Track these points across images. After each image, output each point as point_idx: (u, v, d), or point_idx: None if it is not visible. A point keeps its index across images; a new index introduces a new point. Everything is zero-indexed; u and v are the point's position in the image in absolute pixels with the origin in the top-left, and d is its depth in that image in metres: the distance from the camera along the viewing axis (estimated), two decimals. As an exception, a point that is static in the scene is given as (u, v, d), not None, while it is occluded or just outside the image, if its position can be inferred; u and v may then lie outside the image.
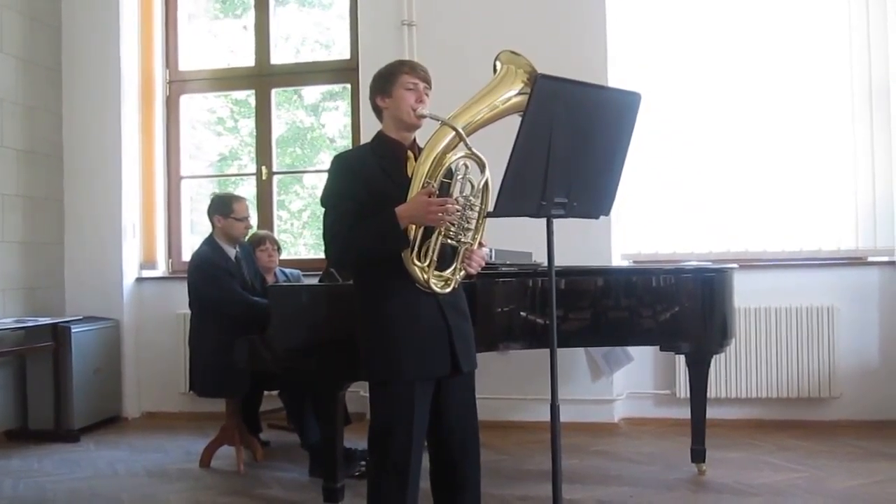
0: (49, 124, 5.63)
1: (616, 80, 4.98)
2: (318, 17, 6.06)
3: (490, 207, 2.48)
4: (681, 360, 4.78)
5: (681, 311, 3.79)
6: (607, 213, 2.60)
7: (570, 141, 2.38)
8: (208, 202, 4.52)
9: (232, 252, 4.35)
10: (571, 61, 4.29)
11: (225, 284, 4.18)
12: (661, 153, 5.14)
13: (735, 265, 4.13)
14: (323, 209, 2.62)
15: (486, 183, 2.49)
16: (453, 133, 2.47)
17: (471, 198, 2.49)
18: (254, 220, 5.63)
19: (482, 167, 2.50)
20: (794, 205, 5.04)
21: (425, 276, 2.47)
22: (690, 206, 5.15)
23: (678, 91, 5.16)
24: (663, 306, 3.78)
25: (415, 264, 2.46)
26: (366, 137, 5.15)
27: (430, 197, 2.41)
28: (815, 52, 5.03)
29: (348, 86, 5.71)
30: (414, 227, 2.44)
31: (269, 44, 5.83)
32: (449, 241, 2.49)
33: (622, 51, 5.18)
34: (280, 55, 5.95)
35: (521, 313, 3.61)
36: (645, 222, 5.21)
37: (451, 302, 2.57)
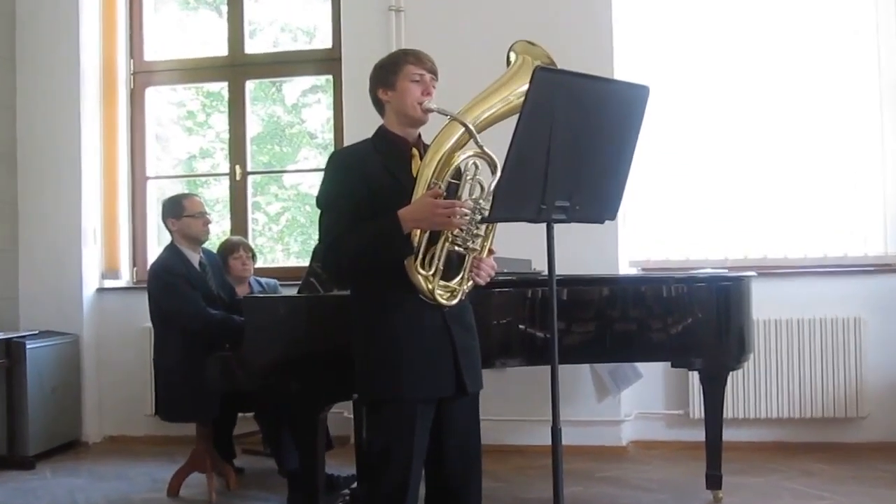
0: (1, 120, 5.61)
1: (623, 72, 4.99)
2: (297, 1, 6.06)
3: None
4: (694, 377, 4.78)
5: (694, 323, 3.80)
6: (613, 217, 2.60)
7: (573, 139, 2.38)
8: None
9: (195, 258, 4.34)
10: (574, 51, 4.27)
11: (183, 295, 4.16)
12: (671, 152, 5.16)
13: (753, 273, 4.14)
14: (319, 211, 2.62)
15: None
16: (463, 129, 2.47)
17: (480, 201, 2.49)
18: (226, 224, 5.63)
19: (493, 167, 2.50)
20: (818, 207, 5.05)
21: (430, 286, 2.47)
22: (704, 208, 5.16)
23: (690, 84, 5.17)
24: (675, 318, 3.79)
25: (419, 273, 2.46)
26: (350, 133, 5.19)
27: (437, 198, 2.41)
28: (840, 42, 5.04)
29: (331, 77, 5.71)
30: (419, 231, 2.44)
31: (244, 31, 5.83)
32: (456, 247, 2.50)
33: (629, 40, 5.19)
34: (256, 44, 5.95)
35: (520, 326, 3.61)
36: (654, 227, 5.22)
37: (457, 315, 2.58)
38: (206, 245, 4.49)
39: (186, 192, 4.72)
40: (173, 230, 4.35)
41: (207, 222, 4.41)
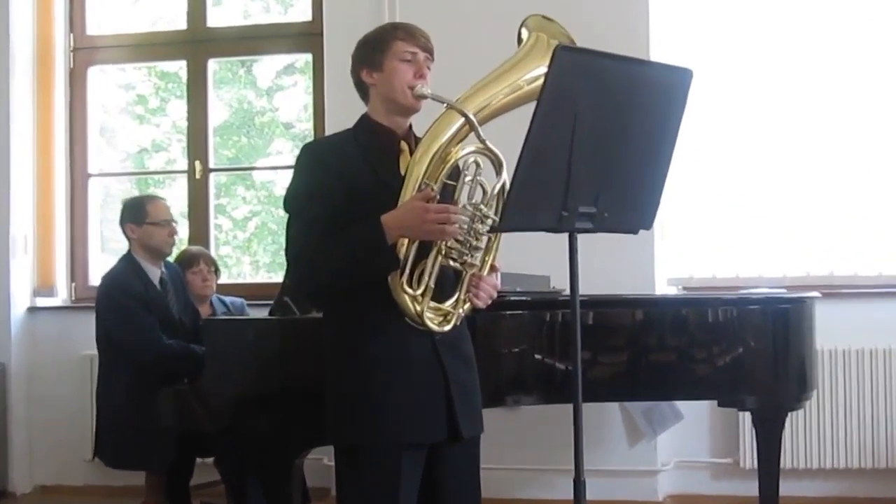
0: (-85, 105, 5.63)
1: (660, 53, 5.01)
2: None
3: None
4: (746, 418, 4.77)
5: (745, 354, 3.81)
6: (649, 226, 2.61)
7: (600, 132, 2.39)
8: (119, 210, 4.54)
9: (156, 274, 4.35)
10: (600, 28, 4.32)
11: (137, 320, 4.16)
12: (719, 149, 5.17)
13: (817, 294, 4.15)
14: (287, 215, 2.62)
15: (504, 187, 2.48)
16: (462, 120, 2.48)
17: (481, 206, 2.49)
18: (184, 232, 5.63)
19: (498, 167, 2.51)
20: (894, 217, 5.06)
21: (418, 308, 2.46)
22: (757, 217, 5.17)
23: (741, 68, 5.18)
24: (722, 348, 3.80)
25: (405, 292, 2.45)
26: (331, 122, 5.20)
27: (428, 202, 2.42)
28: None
29: (310, 56, 5.74)
30: (406, 242, 2.44)
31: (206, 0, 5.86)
32: (451, 262, 2.50)
33: (669, 16, 5.22)
34: (221, 15, 5.97)
35: (536, 357, 3.62)
36: (698, 238, 5.24)
37: (451, 344, 2.58)
38: None
39: (152, 194, 4.73)
40: (132, 238, 4.37)
41: (173, 232, 4.43)
